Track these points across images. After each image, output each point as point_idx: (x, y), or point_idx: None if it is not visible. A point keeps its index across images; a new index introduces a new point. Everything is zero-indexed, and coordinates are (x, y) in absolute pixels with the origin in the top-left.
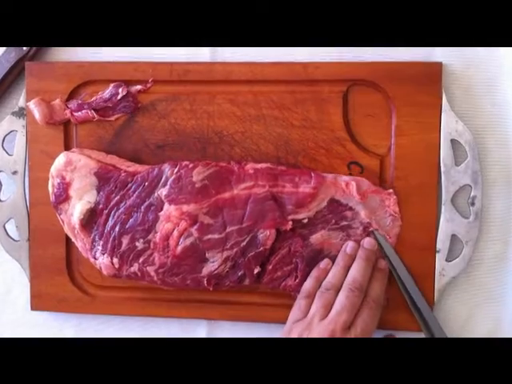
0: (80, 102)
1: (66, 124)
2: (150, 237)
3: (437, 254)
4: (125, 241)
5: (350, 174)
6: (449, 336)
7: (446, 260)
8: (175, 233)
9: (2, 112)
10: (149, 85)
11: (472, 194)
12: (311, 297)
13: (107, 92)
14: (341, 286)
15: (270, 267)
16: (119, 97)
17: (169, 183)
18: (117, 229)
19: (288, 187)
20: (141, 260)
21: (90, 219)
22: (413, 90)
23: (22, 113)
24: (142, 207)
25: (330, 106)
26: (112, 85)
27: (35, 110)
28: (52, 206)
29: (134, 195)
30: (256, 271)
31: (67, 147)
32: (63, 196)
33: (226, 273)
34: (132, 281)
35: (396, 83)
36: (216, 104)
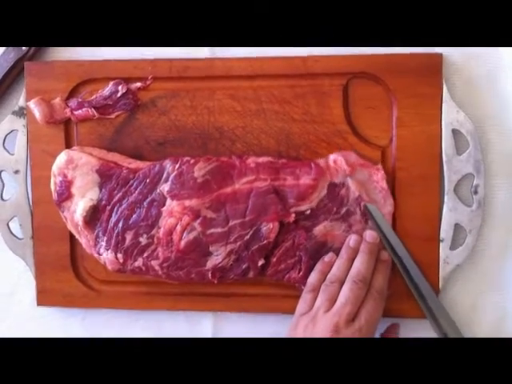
0: (80, 100)
1: (67, 123)
2: (153, 232)
3: (441, 244)
4: (128, 236)
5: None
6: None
7: (450, 249)
8: (178, 227)
9: (3, 112)
10: (148, 82)
11: (475, 182)
12: (316, 290)
13: (107, 90)
14: (345, 279)
15: (274, 260)
16: (119, 94)
17: (170, 179)
18: (120, 225)
19: (289, 180)
20: (145, 255)
21: (93, 216)
22: (413, 82)
23: (22, 112)
24: (145, 203)
25: (330, 99)
26: (112, 82)
27: (35, 109)
28: (55, 204)
29: (137, 191)
30: (260, 263)
31: (68, 146)
32: (65, 194)
33: (231, 266)
34: (137, 275)
35: (396, 75)
36: (216, 100)
